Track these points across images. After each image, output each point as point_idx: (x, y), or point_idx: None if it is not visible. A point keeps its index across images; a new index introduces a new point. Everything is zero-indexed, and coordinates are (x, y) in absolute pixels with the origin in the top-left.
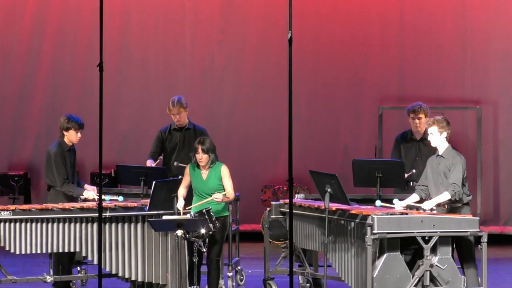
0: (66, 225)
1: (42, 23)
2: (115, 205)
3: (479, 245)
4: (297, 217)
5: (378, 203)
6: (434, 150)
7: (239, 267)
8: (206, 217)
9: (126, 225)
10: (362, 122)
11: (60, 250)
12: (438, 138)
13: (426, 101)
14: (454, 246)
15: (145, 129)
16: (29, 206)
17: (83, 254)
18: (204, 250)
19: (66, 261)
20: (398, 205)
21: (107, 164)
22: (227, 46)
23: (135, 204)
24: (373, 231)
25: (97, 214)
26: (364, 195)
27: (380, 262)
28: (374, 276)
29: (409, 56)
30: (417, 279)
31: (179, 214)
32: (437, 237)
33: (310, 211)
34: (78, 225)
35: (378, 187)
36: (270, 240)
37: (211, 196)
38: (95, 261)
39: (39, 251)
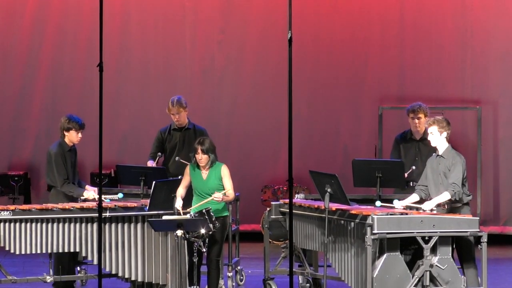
0: (66, 225)
1: (42, 23)
2: (115, 205)
3: (479, 245)
4: (297, 217)
5: (378, 203)
6: (434, 150)
7: (239, 267)
8: (206, 217)
9: (126, 225)
10: (362, 122)
11: (60, 250)
12: (438, 138)
13: (426, 101)
14: (454, 246)
15: (145, 129)
16: (29, 206)
17: (83, 254)
18: (204, 250)
19: (66, 261)
20: (398, 205)
21: (107, 164)
22: (227, 46)
23: (135, 204)
24: (373, 231)
25: (97, 214)
26: (364, 195)
27: (380, 262)
28: (374, 276)
29: (409, 56)
30: (417, 279)
31: (178, 214)
32: (437, 237)
33: (310, 211)
34: (78, 225)
35: (378, 187)
36: (270, 240)
37: (211, 196)
38: (95, 261)
39: (39, 251)
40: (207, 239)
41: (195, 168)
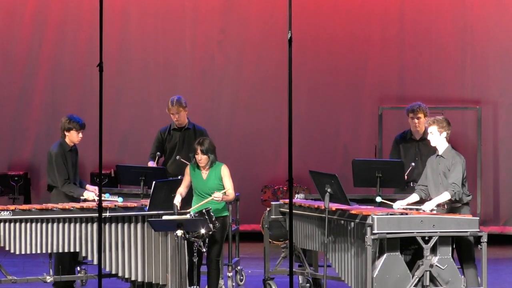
0: (66, 225)
1: (42, 23)
2: (115, 205)
3: (479, 245)
4: (297, 217)
5: (378, 199)
6: (434, 150)
7: (239, 267)
8: (206, 217)
9: (126, 225)
10: (362, 122)
11: (60, 250)
12: (437, 138)
13: (426, 101)
14: (454, 246)
15: (145, 129)
16: (29, 206)
17: (83, 254)
18: (204, 250)
19: (67, 261)
20: (398, 205)
21: (107, 164)
22: (227, 46)
23: (135, 204)
24: (373, 231)
25: (97, 214)
26: (364, 195)
27: (380, 262)
28: (374, 276)
29: (409, 56)
30: (417, 279)
31: (176, 209)
32: (437, 237)
33: (310, 211)
34: (78, 225)
35: (378, 187)
36: (270, 240)
37: (211, 196)
38: (95, 261)
39: (39, 251)
40: (207, 239)
41: (195, 168)
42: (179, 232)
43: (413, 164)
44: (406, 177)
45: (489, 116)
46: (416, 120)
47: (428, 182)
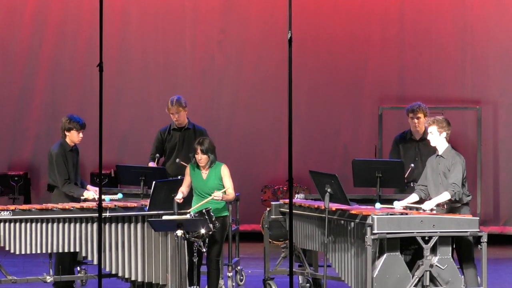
0: (66, 225)
1: (42, 23)
2: (115, 205)
3: (479, 245)
4: (297, 217)
5: (378, 205)
6: (434, 150)
7: (239, 267)
8: (206, 217)
9: (126, 225)
10: (362, 122)
11: (60, 250)
12: (437, 138)
13: (426, 101)
14: (453, 246)
15: (145, 129)
16: (29, 206)
17: (83, 254)
18: (204, 250)
19: (67, 261)
20: (398, 205)
21: (107, 164)
22: (227, 46)
23: (135, 204)
24: (373, 231)
25: (97, 214)
26: (364, 195)
27: (380, 262)
28: (374, 276)
29: (409, 56)
30: (417, 279)
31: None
32: (437, 237)
33: (310, 211)
34: (78, 225)
35: (378, 187)
36: (270, 240)
37: (211, 195)
38: (95, 261)
39: (39, 251)
40: (207, 239)
41: (195, 168)
42: (179, 232)
43: (412, 165)
44: (405, 179)
45: (489, 116)
46: (416, 120)
47: (427, 182)
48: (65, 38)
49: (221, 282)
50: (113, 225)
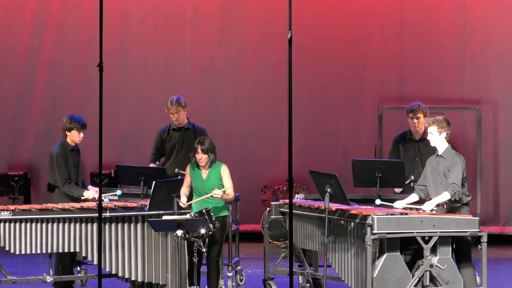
0: (66, 225)
1: (42, 23)
2: (115, 205)
3: (479, 245)
4: (297, 217)
5: (378, 201)
6: (434, 150)
7: (239, 267)
8: (206, 217)
9: (126, 225)
10: (362, 122)
11: (60, 250)
12: (437, 138)
13: (426, 101)
14: (453, 246)
15: (145, 129)
16: (29, 206)
17: (83, 254)
18: (204, 250)
19: (67, 261)
20: (398, 205)
21: (107, 164)
22: (227, 46)
23: (135, 204)
24: (373, 231)
25: (97, 214)
26: (364, 195)
27: (380, 262)
28: (374, 276)
29: (409, 56)
30: (417, 279)
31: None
32: (437, 237)
33: (310, 211)
34: (78, 225)
35: (378, 187)
36: (270, 240)
37: (210, 193)
38: (95, 261)
39: (39, 251)
40: (207, 239)
41: (195, 168)
42: (179, 232)
43: (412, 177)
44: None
45: (489, 116)
46: (415, 120)
47: (427, 182)
48: (65, 38)
49: (221, 282)
50: (113, 225)
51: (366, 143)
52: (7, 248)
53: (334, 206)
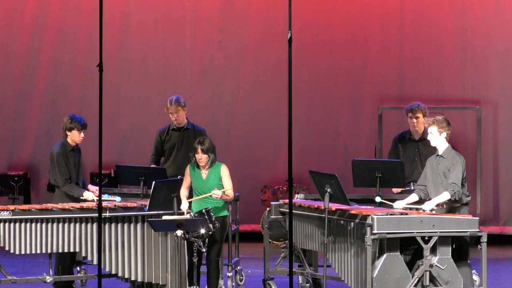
0: (66, 225)
1: (42, 23)
2: (115, 205)
3: (479, 245)
4: (297, 217)
5: (378, 199)
6: (433, 150)
7: (238, 267)
8: (206, 217)
9: (126, 225)
10: (362, 122)
11: (60, 250)
12: (437, 138)
13: (426, 101)
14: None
15: (145, 129)
16: (29, 206)
17: (83, 254)
18: (204, 250)
19: (67, 261)
20: (398, 205)
21: (107, 164)
22: (227, 46)
23: (135, 204)
24: (373, 231)
25: (97, 214)
26: (364, 195)
27: (380, 262)
28: (374, 276)
29: (409, 56)
30: (417, 279)
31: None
32: (436, 237)
33: (310, 211)
34: (78, 225)
35: (378, 187)
36: (270, 240)
37: (210, 192)
38: (95, 261)
39: (39, 251)
40: (207, 239)
41: (195, 168)
42: (179, 232)
43: (412, 187)
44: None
45: (489, 116)
46: (414, 120)
47: (427, 182)
48: (65, 38)
49: (221, 282)
50: (113, 225)
51: (366, 143)
52: (7, 248)
53: (334, 206)
